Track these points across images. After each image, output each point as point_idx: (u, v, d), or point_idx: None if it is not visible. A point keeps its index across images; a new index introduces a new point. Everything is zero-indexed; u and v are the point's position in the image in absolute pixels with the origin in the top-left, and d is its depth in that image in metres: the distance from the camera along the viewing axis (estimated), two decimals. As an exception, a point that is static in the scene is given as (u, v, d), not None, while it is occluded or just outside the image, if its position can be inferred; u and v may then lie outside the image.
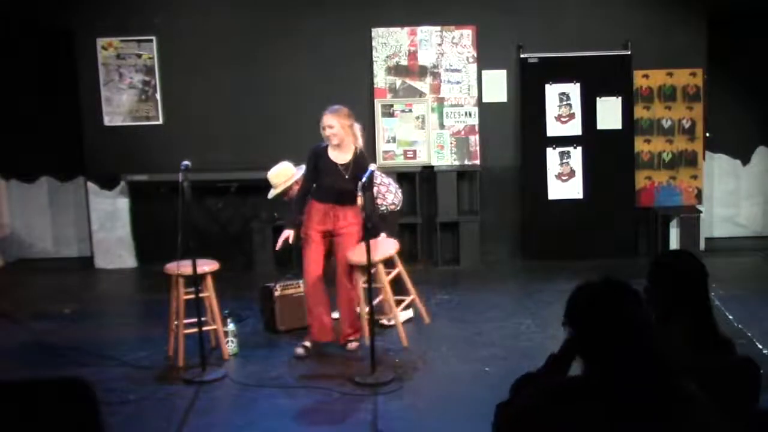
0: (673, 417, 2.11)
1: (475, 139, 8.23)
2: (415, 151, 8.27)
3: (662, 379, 2.13)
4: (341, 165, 5.44)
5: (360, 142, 5.56)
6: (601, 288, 2.22)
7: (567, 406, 2.13)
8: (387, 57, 8.19)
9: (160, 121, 8.27)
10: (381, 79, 8.21)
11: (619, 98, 8.07)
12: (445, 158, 8.26)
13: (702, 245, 8.09)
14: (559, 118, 8.13)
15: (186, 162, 5.24)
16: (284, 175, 5.85)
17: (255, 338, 5.98)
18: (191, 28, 8.20)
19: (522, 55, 8.11)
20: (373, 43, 8.18)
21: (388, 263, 5.64)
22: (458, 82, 8.20)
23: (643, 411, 2.09)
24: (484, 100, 8.22)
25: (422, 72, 8.21)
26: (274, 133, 8.14)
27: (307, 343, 5.59)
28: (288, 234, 5.54)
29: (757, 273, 7.69)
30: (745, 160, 8.75)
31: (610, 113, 8.09)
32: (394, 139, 8.26)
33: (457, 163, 8.24)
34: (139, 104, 8.28)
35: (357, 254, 5.35)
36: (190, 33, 8.19)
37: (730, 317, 6.01)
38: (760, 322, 5.89)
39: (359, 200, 5.40)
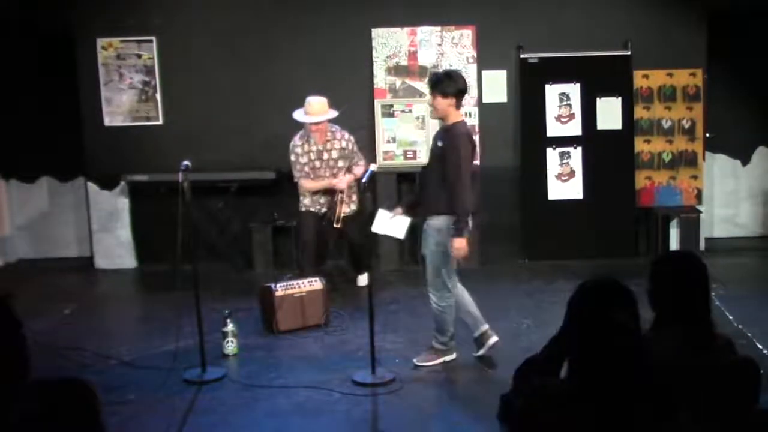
0: (657, 421, 2.11)
1: (475, 139, 8.20)
2: (415, 152, 8.26)
3: (646, 383, 2.13)
4: None
5: None
6: (593, 288, 2.24)
7: (560, 409, 2.14)
8: (387, 57, 8.19)
9: (160, 121, 8.27)
10: (381, 79, 8.21)
11: (619, 98, 8.06)
12: (445, 158, 8.24)
13: (702, 245, 8.09)
14: (559, 118, 8.13)
15: (186, 162, 5.25)
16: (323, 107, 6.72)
17: (255, 338, 5.97)
18: (191, 28, 8.20)
19: (522, 55, 8.11)
20: (373, 44, 8.17)
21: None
22: (458, 82, 8.18)
23: (627, 414, 2.10)
24: (484, 100, 8.21)
25: (422, 72, 8.20)
26: (274, 133, 8.13)
27: None
28: None
29: (757, 273, 7.69)
30: (745, 161, 8.75)
31: (610, 113, 8.08)
32: (394, 140, 8.25)
33: (457, 163, 8.22)
34: (139, 104, 8.28)
35: None
36: (190, 33, 8.19)
37: (730, 317, 6.01)
38: (760, 322, 5.88)
39: None
